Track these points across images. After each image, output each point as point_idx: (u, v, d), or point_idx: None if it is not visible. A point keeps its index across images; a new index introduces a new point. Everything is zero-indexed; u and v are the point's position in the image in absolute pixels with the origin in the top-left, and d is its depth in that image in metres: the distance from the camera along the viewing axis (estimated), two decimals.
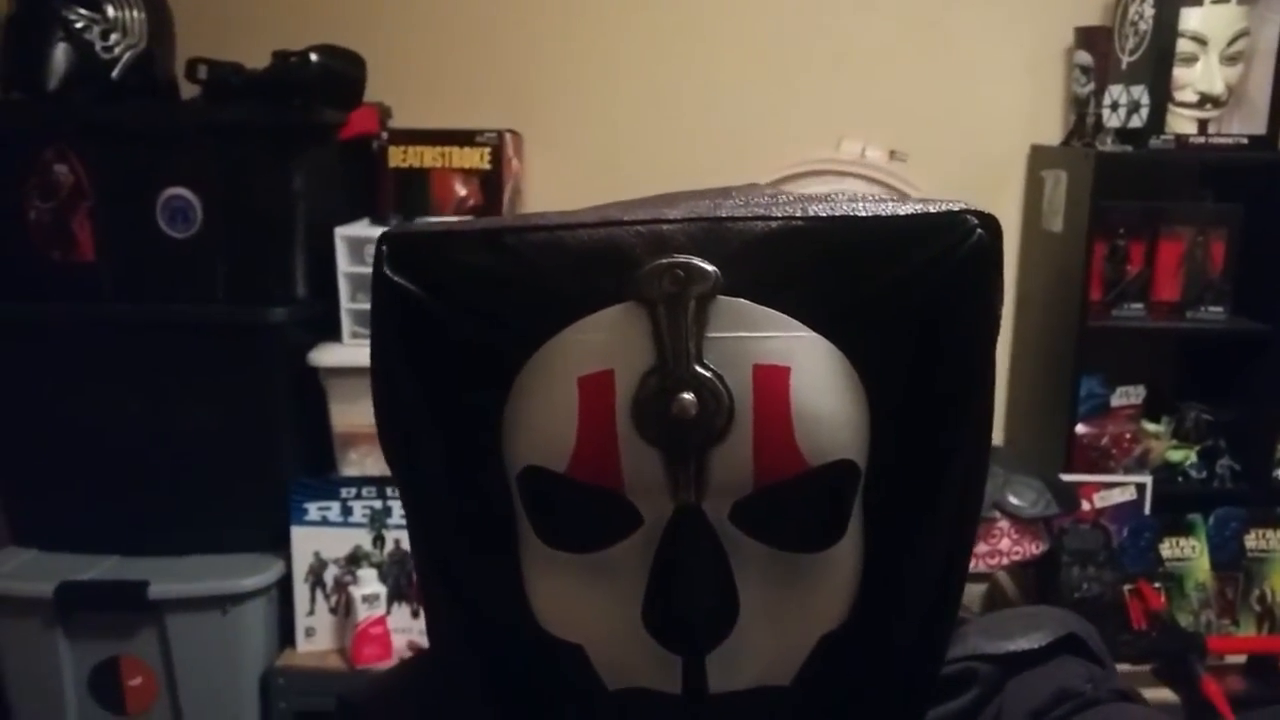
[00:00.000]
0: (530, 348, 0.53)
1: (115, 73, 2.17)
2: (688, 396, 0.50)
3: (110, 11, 2.16)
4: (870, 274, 0.52)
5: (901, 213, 0.53)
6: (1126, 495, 2.24)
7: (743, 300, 0.51)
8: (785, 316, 0.52)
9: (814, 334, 0.52)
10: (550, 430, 0.52)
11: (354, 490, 2.18)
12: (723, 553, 0.52)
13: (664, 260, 0.51)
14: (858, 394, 0.53)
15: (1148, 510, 2.24)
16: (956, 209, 0.53)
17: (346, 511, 2.17)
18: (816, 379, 0.52)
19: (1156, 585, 2.20)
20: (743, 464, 0.51)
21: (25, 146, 2.10)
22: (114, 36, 2.17)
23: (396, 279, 0.54)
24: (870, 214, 0.53)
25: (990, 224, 0.54)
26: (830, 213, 0.53)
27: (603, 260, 0.52)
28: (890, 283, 0.52)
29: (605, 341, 0.51)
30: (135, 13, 2.19)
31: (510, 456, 0.55)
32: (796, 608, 0.55)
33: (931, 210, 0.53)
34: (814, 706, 0.57)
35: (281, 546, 2.17)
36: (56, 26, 2.11)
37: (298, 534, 2.16)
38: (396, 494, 2.20)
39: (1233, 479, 2.30)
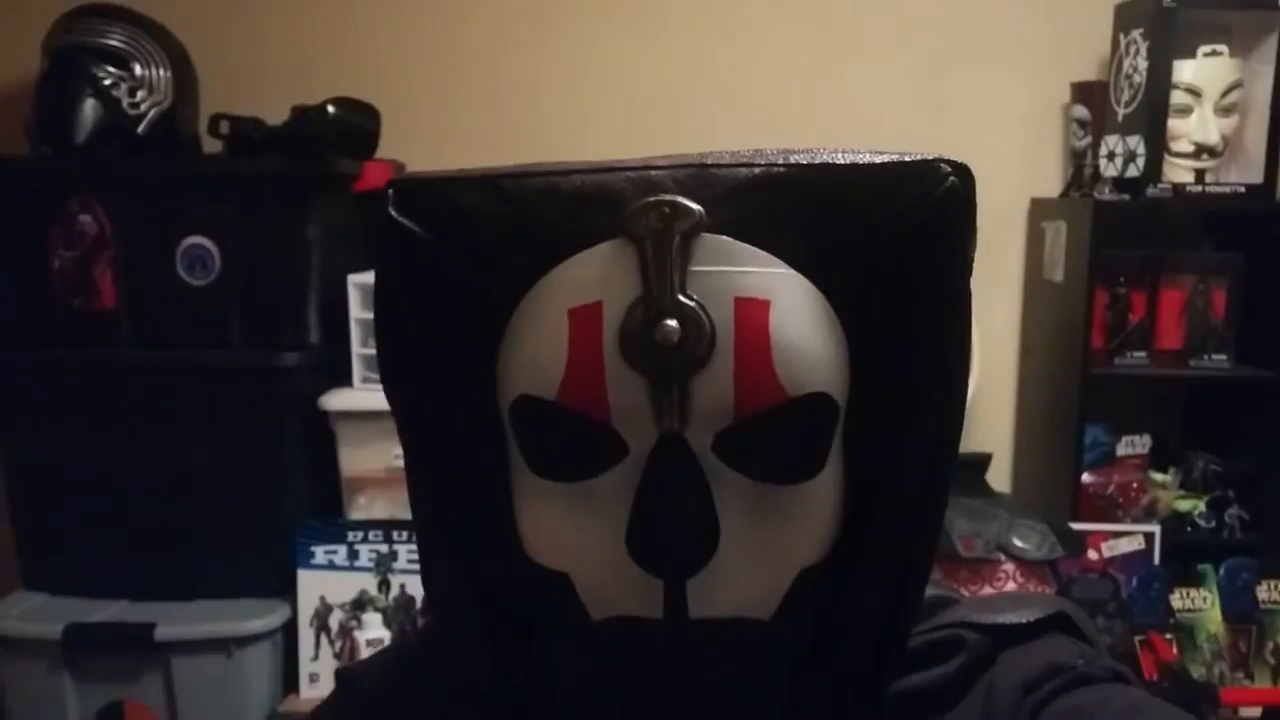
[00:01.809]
0: (525, 285, 0.55)
1: (141, 128, 2.25)
2: (671, 323, 0.52)
3: (138, 70, 2.25)
4: (848, 218, 0.55)
5: (879, 161, 0.56)
6: (1134, 545, 2.22)
7: (725, 238, 0.54)
8: (766, 254, 0.54)
9: (794, 272, 0.54)
10: (541, 359, 0.54)
11: (361, 534, 2.19)
12: (704, 481, 0.54)
13: (651, 198, 0.53)
14: (836, 332, 0.55)
15: (1157, 560, 2.22)
16: (931, 157, 0.56)
17: (353, 555, 2.19)
18: (795, 313, 0.54)
19: (1167, 636, 2.17)
20: (724, 392, 0.53)
21: (52, 197, 2.17)
22: (141, 94, 2.25)
23: (401, 220, 0.57)
24: (849, 162, 0.55)
25: (963, 172, 0.56)
26: (811, 160, 0.55)
27: (595, 202, 0.55)
28: (867, 227, 0.55)
29: (595, 275, 0.54)
30: (162, 71, 2.28)
31: (504, 389, 0.57)
32: (776, 539, 0.56)
33: (907, 159, 0.56)
34: (794, 642, 0.59)
35: (288, 590, 2.18)
36: (86, 84, 2.19)
37: (304, 577, 2.17)
38: (403, 538, 2.22)
39: (1242, 529, 2.28)
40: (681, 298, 0.53)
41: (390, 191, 0.58)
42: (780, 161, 0.55)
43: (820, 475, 0.57)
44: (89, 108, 2.20)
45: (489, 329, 0.57)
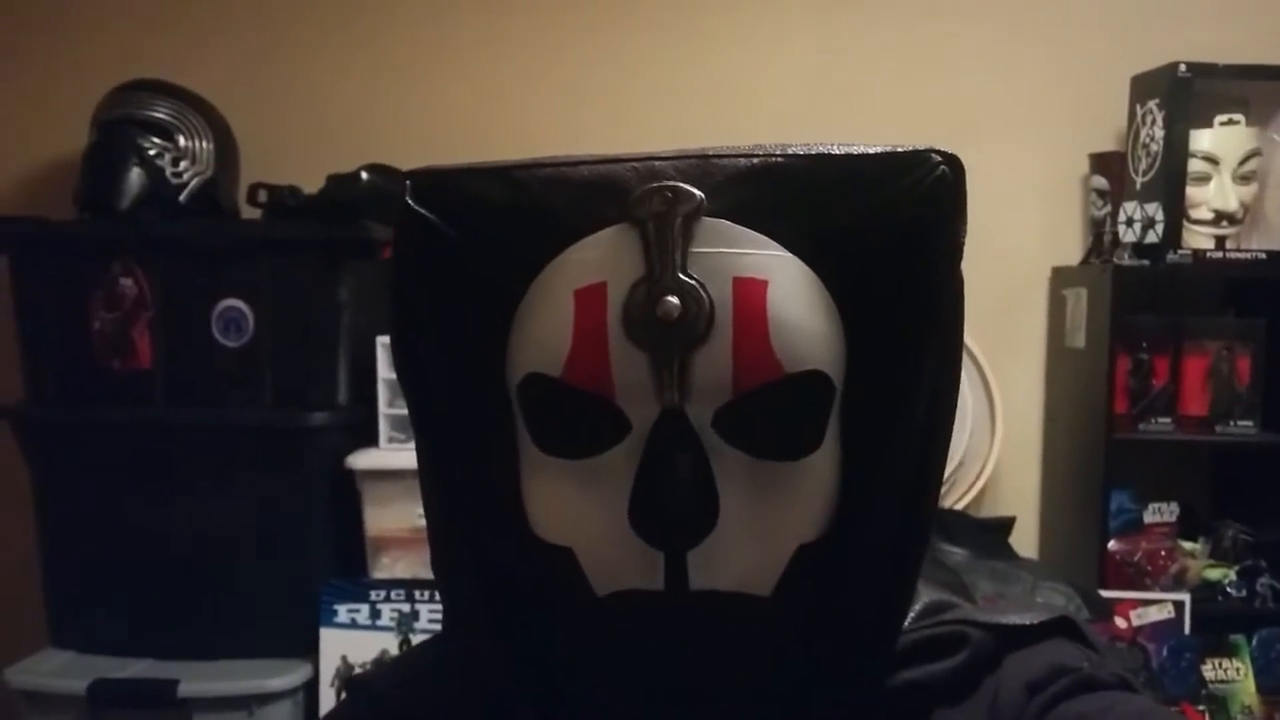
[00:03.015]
0: (534, 270, 0.58)
1: (183, 197, 2.33)
2: (672, 299, 0.54)
3: (182, 141, 2.34)
4: (842, 205, 0.57)
5: (872, 151, 0.58)
6: (1164, 613, 2.19)
7: (725, 221, 0.56)
8: (764, 238, 0.56)
9: (791, 255, 0.57)
10: (548, 338, 0.57)
11: (383, 593, 2.20)
12: (704, 455, 0.56)
13: (655, 184, 0.56)
14: (831, 313, 0.58)
15: (1187, 629, 2.19)
16: (922, 148, 0.58)
17: (375, 614, 2.19)
18: (792, 294, 0.56)
19: (1200, 708, 2.13)
20: (723, 367, 0.55)
21: (95, 261, 2.22)
22: (184, 164, 2.34)
23: (418, 209, 0.59)
24: (843, 152, 0.58)
25: (953, 162, 0.58)
26: (806, 151, 0.58)
27: (601, 190, 0.57)
28: (861, 213, 0.57)
29: (600, 257, 0.56)
30: (204, 143, 2.36)
31: (512, 369, 0.59)
32: (774, 515, 0.58)
33: (899, 150, 0.58)
34: (792, 620, 0.59)
35: (311, 649, 2.19)
36: (131, 153, 2.28)
37: (326, 636, 2.18)
38: (425, 597, 2.22)
39: (1274, 599, 2.24)
40: (682, 276, 0.55)
41: (407, 182, 0.61)
42: (777, 152, 0.58)
43: (817, 453, 0.58)
44: (134, 176, 2.28)
45: (500, 312, 0.59)
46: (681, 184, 0.56)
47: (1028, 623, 0.65)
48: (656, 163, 0.58)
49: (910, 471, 0.61)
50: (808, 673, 0.61)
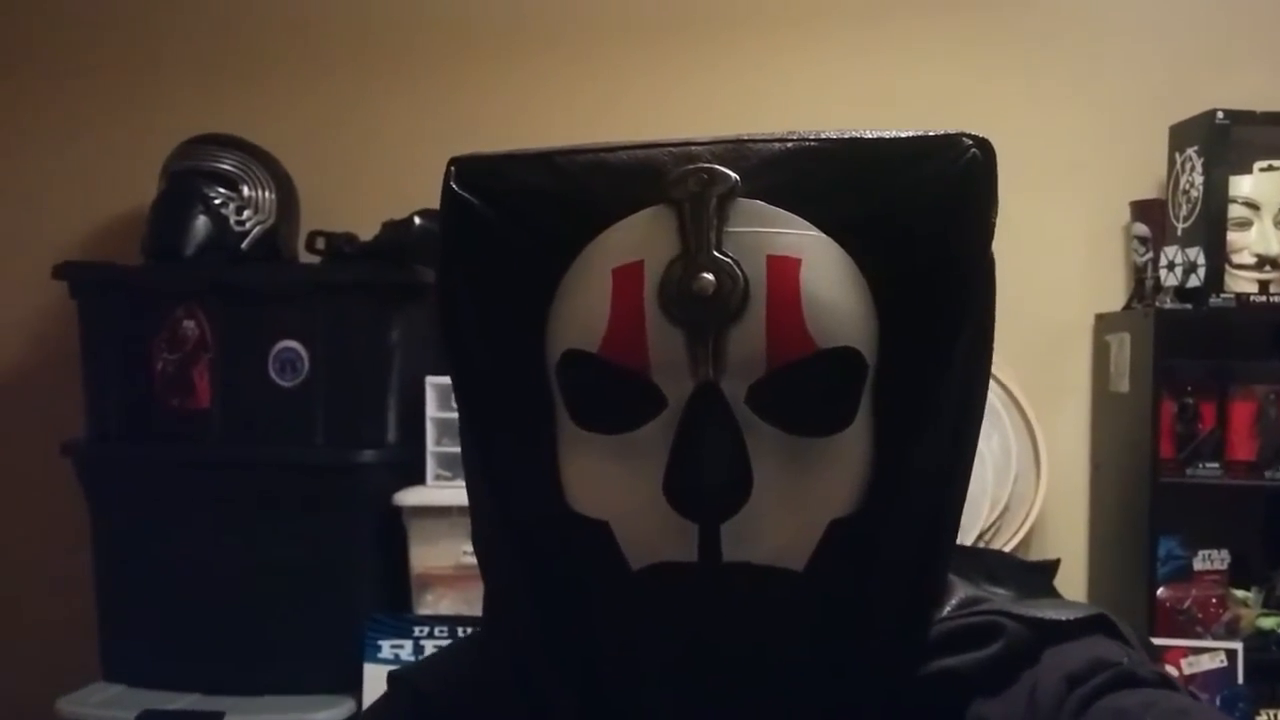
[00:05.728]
0: (573, 252, 0.60)
1: (245, 244, 2.42)
2: (707, 276, 0.56)
3: (245, 191, 2.44)
4: (875, 187, 0.59)
5: (904, 135, 0.60)
6: (1216, 662, 2.14)
7: (759, 202, 0.58)
8: (798, 218, 0.58)
9: (824, 235, 0.58)
10: (586, 314, 0.59)
11: (427, 629, 2.22)
12: (738, 429, 0.57)
13: (691, 166, 0.58)
14: (863, 292, 0.59)
15: (1240, 679, 2.14)
16: (953, 132, 0.60)
17: (418, 650, 2.21)
18: (825, 272, 0.58)
19: None
20: (756, 343, 0.57)
21: (160, 305, 2.31)
22: (246, 213, 2.43)
23: (461, 193, 0.62)
24: (875, 136, 0.60)
25: (984, 145, 0.60)
26: (839, 135, 0.60)
27: (639, 173, 0.60)
28: (893, 195, 0.59)
29: (637, 237, 0.58)
30: (267, 193, 2.46)
31: (551, 346, 0.61)
32: (807, 490, 0.59)
33: (931, 134, 0.60)
34: (825, 595, 0.60)
35: (355, 684, 2.20)
36: (197, 202, 2.38)
37: (370, 671, 2.19)
38: (468, 634, 2.23)
39: None
40: (717, 254, 0.57)
41: (451, 167, 0.63)
42: (811, 137, 0.60)
43: (849, 429, 0.59)
44: (200, 224, 2.38)
45: (540, 292, 0.61)
46: (717, 165, 0.58)
47: (1065, 618, 0.65)
48: (693, 147, 0.60)
49: (942, 450, 0.62)
50: (841, 650, 0.62)
